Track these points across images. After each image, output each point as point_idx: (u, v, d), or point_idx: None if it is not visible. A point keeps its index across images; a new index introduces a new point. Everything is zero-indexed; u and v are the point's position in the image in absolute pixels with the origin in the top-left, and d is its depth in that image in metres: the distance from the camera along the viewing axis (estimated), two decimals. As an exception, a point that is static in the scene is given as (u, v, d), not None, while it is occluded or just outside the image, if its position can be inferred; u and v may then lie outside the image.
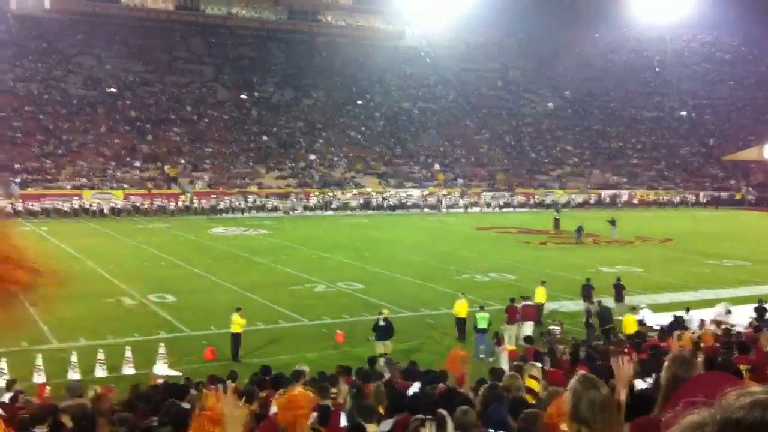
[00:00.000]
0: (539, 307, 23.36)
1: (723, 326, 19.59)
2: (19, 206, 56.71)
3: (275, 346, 20.69)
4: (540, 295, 23.54)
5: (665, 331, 18.68)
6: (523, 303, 21.95)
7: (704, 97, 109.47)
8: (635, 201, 79.82)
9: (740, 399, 1.05)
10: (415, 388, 10.98)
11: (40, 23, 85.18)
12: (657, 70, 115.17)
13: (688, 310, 22.09)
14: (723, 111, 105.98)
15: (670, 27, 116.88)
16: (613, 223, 46.38)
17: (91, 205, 59.13)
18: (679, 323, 20.93)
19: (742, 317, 21.32)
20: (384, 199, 69.80)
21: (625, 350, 15.91)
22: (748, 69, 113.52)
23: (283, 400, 5.75)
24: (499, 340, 19.41)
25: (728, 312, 21.70)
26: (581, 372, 4.06)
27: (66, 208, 57.68)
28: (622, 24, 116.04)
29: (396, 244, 43.45)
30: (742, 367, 10.33)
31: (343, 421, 8.16)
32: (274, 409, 9.29)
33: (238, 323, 19.63)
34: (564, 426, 3.81)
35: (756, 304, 22.48)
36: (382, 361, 18.69)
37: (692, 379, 3.51)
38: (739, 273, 33.97)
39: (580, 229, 44.33)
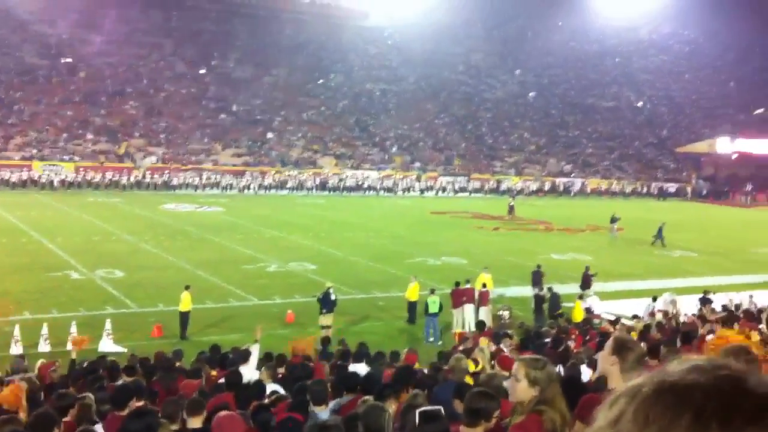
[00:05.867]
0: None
1: (668, 316, 19.97)
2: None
3: (225, 325, 20.54)
4: (488, 281, 23.56)
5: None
6: (467, 286, 21.99)
7: (660, 88, 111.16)
8: (588, 190, 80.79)
9: (680, 365, 1.10)
10: (360, 369, 11.00)
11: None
12: (617, 60, 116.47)
13: (655, 298, 22.34)
14: (678, 103, 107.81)
15: (632, 18, 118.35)
16: (613, 221, 43.13)
17: (40, 177, 57.89)
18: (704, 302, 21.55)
19: (687, 307, 21.74)
20: (341, 180, 69.61)
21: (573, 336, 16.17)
22: (705, 62, 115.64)
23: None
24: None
25: (673, 302, 22.11)
26: (528, 355, 4.13)
27: (14, 179, 56.38)
28: (585, 13, 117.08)
29: (351, 225, 43.39)
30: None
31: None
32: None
33: (185, 302, 19.44)
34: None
35: (701, 295, 22.97)
36: (324, 332, 18.74)
37: (651, 368, 3.58)
38: (686, 264, 34.66)
39: (660, 231, 39.91)
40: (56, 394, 8.36)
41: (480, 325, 18.42)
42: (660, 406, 1.04)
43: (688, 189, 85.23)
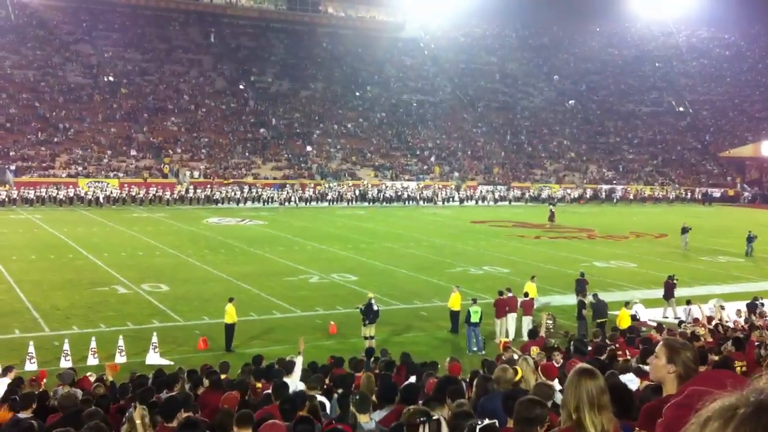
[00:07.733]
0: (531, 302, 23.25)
1: (715, 322, 19.60)
2: (14, 194, 56.63)
3: (269, 337, 20.67)
4: (531, 290, 23.36)
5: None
6: (510, 295, 21.80)
7: (702, 93, 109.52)
8: (631, 196, 79.85)
9: None
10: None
11: (40, 10, 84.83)
12: (656, 65, 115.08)
13: (688, 302, 22.20)
14: (720, 107, 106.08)
15: (670, 23, 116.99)
16: (684, 231, 40.09)
17: (85, 194, 58.99)
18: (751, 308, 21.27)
19: (735, 314, 21.35)
20: (380, 191, 69.72)
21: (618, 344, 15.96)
22: (746, 66, 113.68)
23: None
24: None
25: (721, 308, 21.70)
26: (581, 364, 4.04)
27: (61, 196, 57.53)
28: (622, 19, 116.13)
29: (391, 236, 43.38)
30: (736, 363, 10.33)
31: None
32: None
33: (230, 314, 19.60)
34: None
35: (749, 301, 22.52)
36: (368, 343, 18.81)
37: (701, 374, 3.52)
38: (732, 269, 34.01)
39: (750, 239, 38.26)
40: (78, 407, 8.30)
41: (531, 333, 18.29)
42: (763, 427, 0.99)
43: (745, 193, 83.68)
